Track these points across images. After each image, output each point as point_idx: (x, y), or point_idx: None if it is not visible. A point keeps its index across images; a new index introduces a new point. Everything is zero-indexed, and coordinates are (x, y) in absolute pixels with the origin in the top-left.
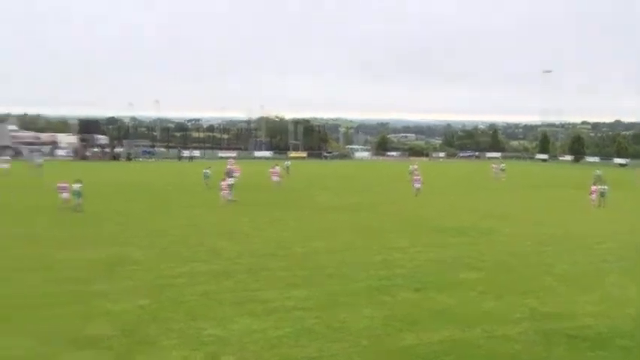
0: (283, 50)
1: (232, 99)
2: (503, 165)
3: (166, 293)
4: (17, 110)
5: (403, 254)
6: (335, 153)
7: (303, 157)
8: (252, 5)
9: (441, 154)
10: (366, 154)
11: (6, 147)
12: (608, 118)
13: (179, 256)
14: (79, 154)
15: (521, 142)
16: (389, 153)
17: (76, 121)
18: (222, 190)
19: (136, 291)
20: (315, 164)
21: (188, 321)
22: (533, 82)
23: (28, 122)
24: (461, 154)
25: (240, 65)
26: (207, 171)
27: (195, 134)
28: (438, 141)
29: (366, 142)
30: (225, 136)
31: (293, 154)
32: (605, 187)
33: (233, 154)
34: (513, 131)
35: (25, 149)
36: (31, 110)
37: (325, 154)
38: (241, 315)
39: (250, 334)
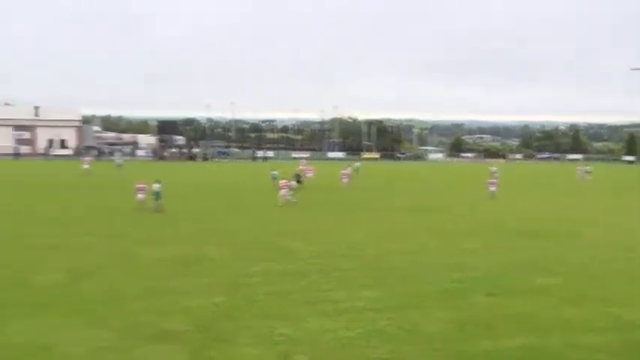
0: (357, 51)
1: (306, 100)
2: (588, 167)
3: (240, 291)
4: (101, 112)
5: (477, 257)
6: (408, 154)
7: (376, 158)
8: (325, 5)
9: (518, 156)
10: (439, 155)
11: (90, 147)
12: None
13: (253, 255)
14: (157, 155)
15: (606, 143)
16: (463, 154)
17: (156, 122)
18: (281, 188)
19: (212, 288)
20: (388, 165)
21: (261, 319)
22: (618, 80)
23: (111, 123)
24: (539, 156)
25: (314, 66)
26: (275, 172)
27: (269, 135)
28: (514, 142)
29: (439, 144)
30: (299, 137)
31: (366, 155)
32: None
33: (306, 154)
34: (596, 132)
35: (108, 149)
36: (114, 112)
37: (398, 155)
38: (313, 315)
39: (322, 334)
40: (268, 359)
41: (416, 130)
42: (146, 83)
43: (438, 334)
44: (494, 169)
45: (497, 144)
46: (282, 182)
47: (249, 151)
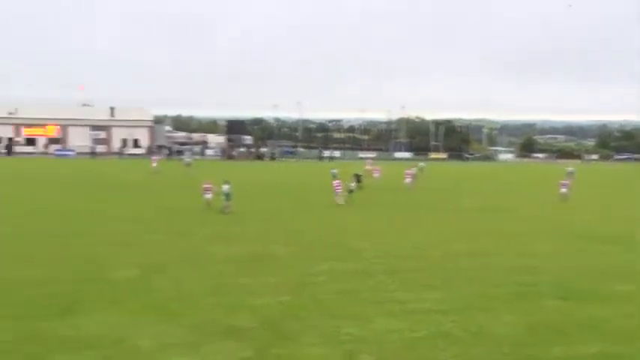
0: (426, 50)
1: (373, 100)
2: None
3: (306, 290)
4: (172, 112)
5: (547, 260)
6: (477, 154)
7: (444, 159)
8: (394, 4)
9: (594, 157)
10: (509, 155)
11: (161, 146)
12: None
13: (319, 254)
14: (226, 154)
15: None
16: (535, 155)
17: (225, 122)
18: (335, 188)
19: (278, 287)
20: (456, 166)
21: (327, 319)
22: None
23: (181, 123)
24: (617, 157)
25: (381, 65)
26: (335, 171)
27: (335, 135)
28: (590, 142)
29: (510, 144)
30: (366, 137)
31: (433, 155)
32: None
33: (372, 154)
34: None
35: (178, 149)
36: (185, 112)
37: (467, 155)
38: (379, 315)
39: (388, 334)
40: (333, 358)
41: (485, 130)
42: (216, 84)
43: (507, 337)
44: (570, 169)
45: (571, 144)
46: (335, 183)
47: (315, 151)
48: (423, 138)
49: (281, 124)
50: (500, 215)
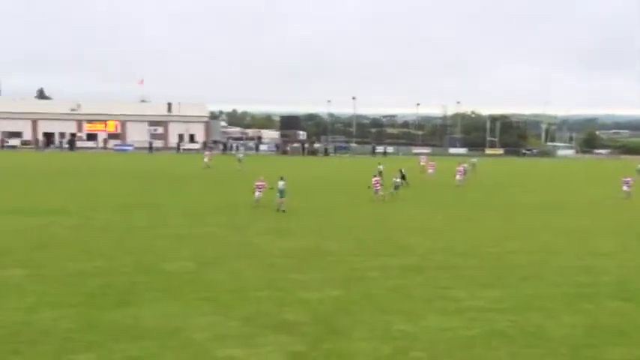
0: (484, 43)
1: (428, 95)
2: None
3: (358, 286)
4: (227, 108)
5: (609, 260)
6: (535, 150)
7: (500, 155)
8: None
9: None
10: (569, 151)
11: (217, 141)
12: None
13: (372, 249)
14: (280, 149)
15: None
16: (596, 151)
17: (279, 118)
18: (374, 185)
19: (330, 282)
20: (512, 162)
21: (378, 314)
22: None
23: (236, 119)
24: None
25: (437, 60)
26: (381, 167)
27: (389, 130)
28: None
29: (570, 139)
30: (420, 133)
31: (489, 151)
32: None
33: (427, 150)
34: None
35: (233, 144)
36: (240, 107)
37: (524, 151)
38: (432, 312)
39: (441, 332)
40: (384, 354)
41: (544, 126)
42: (271, 79)
43: (564, 338)
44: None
45: (637, 139)
46: (374, 180)
47: (368, 147)
48: (478, 133)
49: (335, 119)
50: (559, 213)
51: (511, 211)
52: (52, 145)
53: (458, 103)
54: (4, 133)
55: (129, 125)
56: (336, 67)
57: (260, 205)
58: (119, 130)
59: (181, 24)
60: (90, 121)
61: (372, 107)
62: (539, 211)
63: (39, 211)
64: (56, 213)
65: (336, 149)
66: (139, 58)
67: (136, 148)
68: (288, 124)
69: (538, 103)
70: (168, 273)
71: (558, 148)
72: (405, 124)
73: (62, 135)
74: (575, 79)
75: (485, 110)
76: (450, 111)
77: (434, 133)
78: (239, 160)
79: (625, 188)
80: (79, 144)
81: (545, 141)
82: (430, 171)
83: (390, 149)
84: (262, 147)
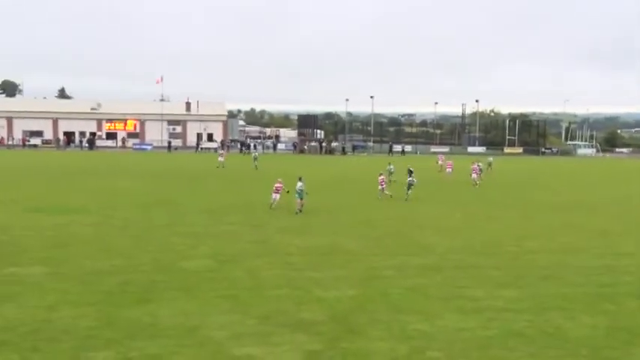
0: (503, 41)
1: (447, 94)
2: None
3: (375, 285)
4: (245, 107)
5: (631, 260)
6: (555, 149)
7: (519, 153)
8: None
9: None
10: (590, 150)
11: (234, 140)
12: None
13: (389, 248)
14: (297, 148)
15: None
16: (618, 149)
17: (296, 116)
18: (380, 184)
19: (347, 280)
20: (531, 160)
21: (395, 313)
22: None
23: (254, 117)
24: None
25: (455, 58)
26: (392, 167)
27: (407, 129)
28: None
29: (591, 138)
30: (439, 131)
31: (508, 150)
32: None
33: (445, 149)
34: None
35: (252, 142)
36: (258, 106)
37: (543, 150)
38: (449, 311)
39: (458, 332)
40: (401, 353)
41: (564, 124)
42: (289, 79)
43: (584, 339)
44: None
45: None
46: (380, 179)
47: (386, 146)
48: (497, 132)
49: (353, 118)
50: (579, 212)
51: (530, 210)
52: (72, 145)
53: (477, 101)
54: (25, 132)
55: (148, 124)
56: (354, 66)
57: (277, 207)
58: (138, 130)
59: (200, 23)
60: (109, 121)
61: (391, 106)
62: (559, 210)
63: (59, 209)
64: (76, 212)
65: (354, 148)
66: (159, 58)
67: (155, 147)
68: (306, 122)
69: (558, 102)
70: (186, 271)
71: (579, 146)
72: (424, 123)
73: (82, 134)
74: (596, 77)
75: (505, 109)
76: (469, 109)
77: (452, 132)
78: (254, 159)
79: None
80: (98, 143)
81: (566, 140)
82: (448, 170)
83: (408, 148)
84: (280, 146)
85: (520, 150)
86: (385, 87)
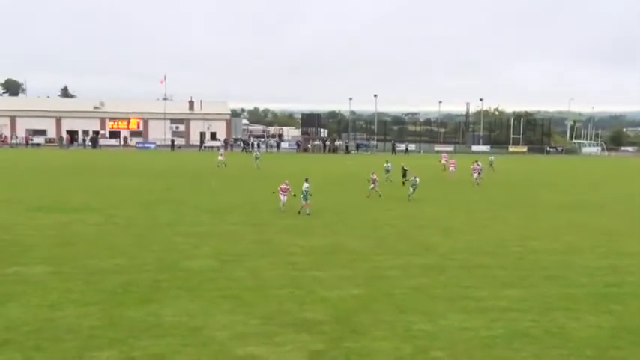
0: (508, 40)
1: (451, 92)
2: None
3: (379, 284)
4: (248, 105)
5: (636, 260)
6: (559, 148)
7: (523, 152)
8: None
9: None
10: (595, 149)
11: (237, 139)
12: None
13: (393, 248)
14: (301, 147)
15: None
16: (623, 148)
17: (300, 115)
18: (372, 182)
19: (350, 280)
20: (536, 159)
21: (398, 313)
22: None
23: (258, 116)
24: None
25: (459, 57)
26: (389, 165)
27: (411, 128)
28: None
29: (596, 137)
30: (443, 130)
31: (512, 148)
32: None
33: (449, 148)
34: None
35: (255, 141)
36: (261, 105)
37: (548, 149)
38: (453, 311)
39: (461, 332)
40: (404, 353)
41: (569, 123)
42: (292, 77)
43: (589, 339)
44: None
45: None
46: (373, 177)
47: (390, 144)
48: (502, 131)
49: (356, 117)
50: (584, 211)
51: (535, 210)
52: (75, 143)
53: (481, 100)
54: (28, 131)
55: (151, 123)
56: (358, 65)
57: (283, 211)
58: (141, 128)
59: (204, 22)
60: (113, 119)
61: (394, 105)
62: (564, 210)
63: (62, 208)
64: (79, 211)
65: (358, 147)
66: (162, 57)
67: (158, 146)
68: (309, 121)
69: (563, 100)
70: (189, 270)
71: (584, 145)
72: (428, 122)
73: (86, 133)
74: (602, 76)
75: (510, 107)
76: (473, 108)
77: (456, 131)
78: (256, 158)
79: None
80: (101, 142)
81: (571, 138)
82: (451, 169)
83: (411, 147)
84: (283, 145)
85: (525, 149)
86: (389, 85)
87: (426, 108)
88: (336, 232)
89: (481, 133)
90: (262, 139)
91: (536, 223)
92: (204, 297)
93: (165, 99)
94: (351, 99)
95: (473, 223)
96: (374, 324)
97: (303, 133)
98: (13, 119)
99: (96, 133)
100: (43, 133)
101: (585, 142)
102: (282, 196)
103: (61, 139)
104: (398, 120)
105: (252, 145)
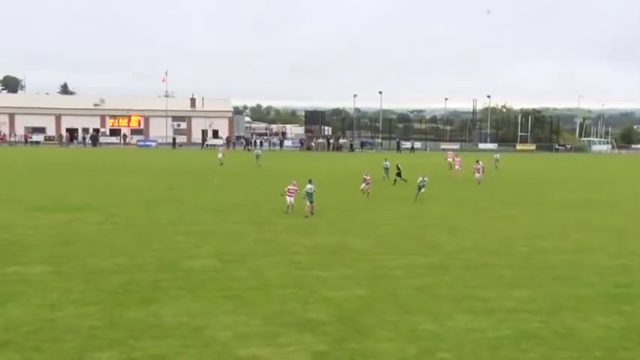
0: (516, 35)
1: (457, 89)
2: None
3: (383, 284)
4: (251, 102)
5: None
6: (568, 146)
7: (532, 150)
8: None
9: None
10: (605, 147)
11: (239, 137)
12: None
13: (397, 247)
14: (304, 145)
15: None
16: (634, 146)
17: (303, 113)
18: (365, 182)
19: (354, 280)
20: (545, 157)
21: (403, 314)
22: None
23: (260, 114)
24: None
25: (466, 53)
26: (387, 163)
27: (417, 125)
28: None
29: (606, 134)
30: (449, 128)
31: (520, 146)
32: None
33: (455, 145)
34: None
35: (257, 139)
36: (264, 102)
37: (557, 146)
38: (459, 312)
39: (468, 333)
40: (409, 354)
41: (578, 120)
42: (295, 74)
43: (599, 340)
44: None
45: None
46: (366, 177)
47: (394, 142)
48: (509, 128)
49: (361, 114)
50: (594, 210)
51: (543, 208)
52: (75, 141)
53: (488, 97)
54: (27, 128)
55: (152, 121)
56: (362, 62)
57: (289, 213)
58: (142, 126)
59: (203, 22)
60: (113, 117)
61: (400, 102)
62: (573, 208)
63: (62, 207)
64: (79, 210)
65: (362, 145)
66: (163, 53)
67: (159, 144)
68: (313, 119)
69: (572, 97)
70: (191, 270)
71: (593, 143)
72: (434, 119)
73: (85, 130)
74: (611, 72)
75: (517, 104)
76: (480, 105)
77: (463, 129)
78: (257, 157)
79: None
80: (101, 139)
81: (580, 136)
82: (457, 167)
83: (417, 145)
84: (287, 142)
85: (533, 147)
86: (394, 82)
87: (431, 105)
88: (340, 230)
89: (488, 131)
90: (265, 137)
91: (544, 221)
92: (206, 297)
93: (166, 96)
94: (355, 96)
95: (479, 221)
96: (378, 324)
97: (306, 131)
98: (11, 116)
99: (96, 130)
100: (42, 130)
101: (595, 139)
102: (288, 198)
103: (60, 136)
104: (403, 117)
105: (255, 142)
